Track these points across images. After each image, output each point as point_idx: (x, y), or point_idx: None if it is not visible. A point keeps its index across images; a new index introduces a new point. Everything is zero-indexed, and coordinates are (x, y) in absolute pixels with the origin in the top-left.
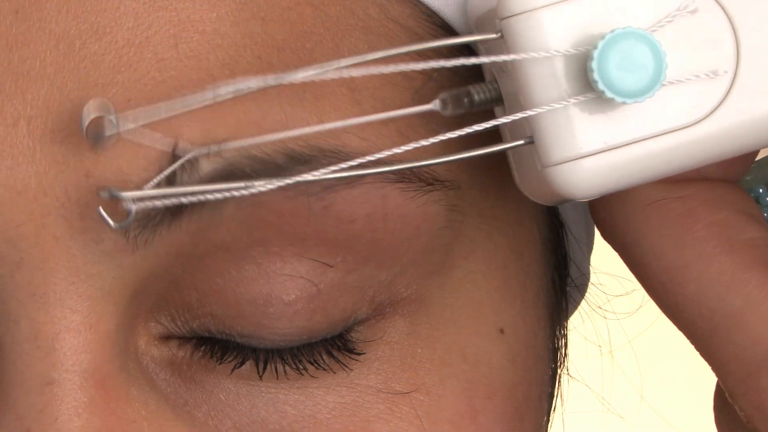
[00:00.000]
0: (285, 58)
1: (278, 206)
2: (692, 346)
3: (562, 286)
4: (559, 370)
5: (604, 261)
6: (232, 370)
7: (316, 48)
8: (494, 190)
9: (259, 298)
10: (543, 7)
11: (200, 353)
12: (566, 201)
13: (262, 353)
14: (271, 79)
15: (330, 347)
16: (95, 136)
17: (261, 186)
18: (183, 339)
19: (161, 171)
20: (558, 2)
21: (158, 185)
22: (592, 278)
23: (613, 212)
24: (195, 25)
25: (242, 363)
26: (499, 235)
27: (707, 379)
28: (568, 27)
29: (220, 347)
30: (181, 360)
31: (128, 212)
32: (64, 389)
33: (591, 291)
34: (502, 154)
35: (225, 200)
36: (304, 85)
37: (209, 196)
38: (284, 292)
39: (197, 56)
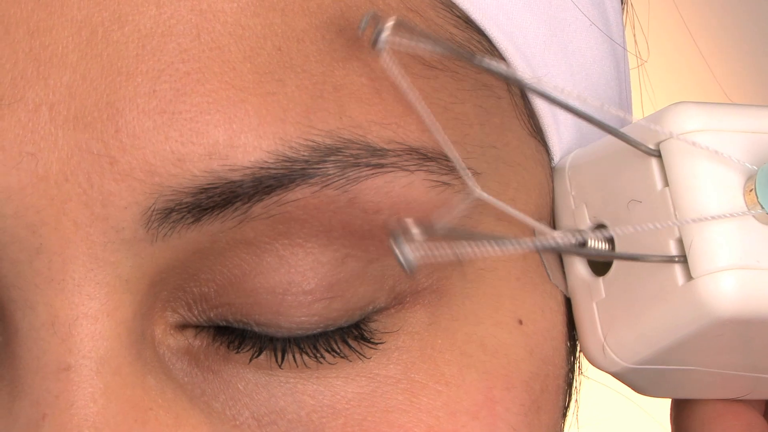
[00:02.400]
0: (305, 49)
1: (305, 202)
2: None
3: None
4: (576, 372)
5: None
6: (251, 360)
7: (336, 39)
8: (514, 182)
9: (279, 287)
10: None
11: (218, 343)
12: (648, 363)
13: (280, 342)
14: None
15: (346, 336)
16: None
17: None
18: (200, 328)
19: (192, 161)
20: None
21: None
22: None
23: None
24: (216, 15)
25: (260, 352)
26: (520, 228)
27: None
28: (738, 143)
29: (238, 336)
30: (198, 349)
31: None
32: (80, 375)
33: None
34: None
35: (253, 203)
36: (324, 75)
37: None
38: (305, 280)
39: (219, 47)
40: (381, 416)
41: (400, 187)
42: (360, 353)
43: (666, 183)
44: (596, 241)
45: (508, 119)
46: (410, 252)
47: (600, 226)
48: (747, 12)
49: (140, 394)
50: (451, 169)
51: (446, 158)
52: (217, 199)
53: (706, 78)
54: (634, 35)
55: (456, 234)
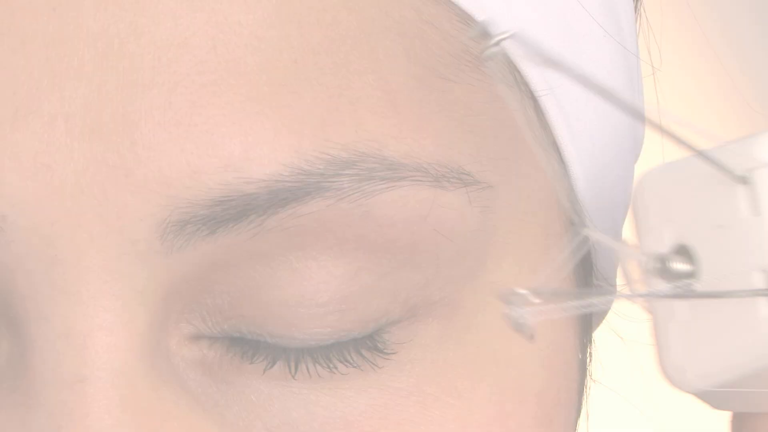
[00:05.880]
0: (320, 62)
1: (319, 215)
2: None
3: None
4: (587, 383)
5: None
6: (264, 371)
7: (351, 51)
8: (526, 196)
9: (292, 300)
10: None
11: (231, 353)
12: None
13: (293, 353)
14: None
15: (360, 346)
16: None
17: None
18: (213, 339)
19: (204, 179)
20: None
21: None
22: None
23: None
24: (233, 27)
25: (273, 363)
26: (530, 240)
27: None
28: None
29: (251, 347)
30: (212, 360)
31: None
32: (95, 387)
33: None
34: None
35: (268, 216)
36: (340, 88)
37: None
38: (317, 294)
39: (235, 59)
40: (393, 428)
41: (415, 202)
42: (372, 363)
43: (755, 212)
44: (678, 264)
45: (522, 131)
46: (527, 316)
47: (681, 248)
48: (762, 17)
49: (155, 405)
50: (466, 184)
51: (463, 172)
52: (233, 212)
53: (718, 86)
54: (647, 44)
55: (559, 292)
